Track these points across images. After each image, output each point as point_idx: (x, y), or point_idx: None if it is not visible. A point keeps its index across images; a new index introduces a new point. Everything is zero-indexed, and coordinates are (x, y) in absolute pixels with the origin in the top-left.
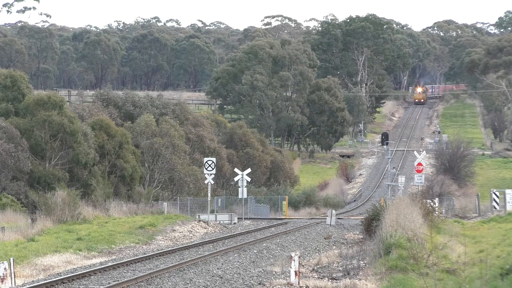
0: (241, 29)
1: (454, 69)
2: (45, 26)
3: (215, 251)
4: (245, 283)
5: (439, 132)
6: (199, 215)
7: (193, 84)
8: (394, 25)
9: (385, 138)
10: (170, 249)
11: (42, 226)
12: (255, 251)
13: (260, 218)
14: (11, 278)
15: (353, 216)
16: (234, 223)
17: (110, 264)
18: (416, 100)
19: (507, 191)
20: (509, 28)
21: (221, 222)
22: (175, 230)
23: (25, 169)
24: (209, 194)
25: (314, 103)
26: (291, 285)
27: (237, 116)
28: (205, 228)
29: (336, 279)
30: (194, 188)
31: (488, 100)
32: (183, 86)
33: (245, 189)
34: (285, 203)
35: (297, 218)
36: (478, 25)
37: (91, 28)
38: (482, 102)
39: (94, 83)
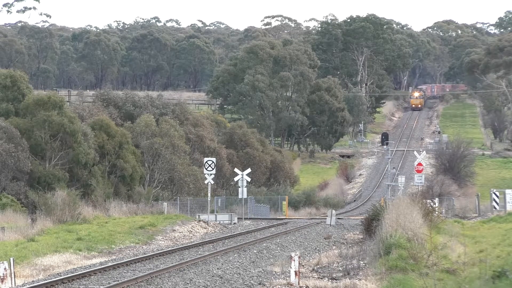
0: (241, 29)
1: (454, 69)
2: (45, 26)
3: (215, 251)
4: (245, 283)
5: (439, 132)
6: (199, 215)
7: (193, 84)
8: (394, 25)
9: (385, 138)
10: (170, 249)
11: (42, 226)
12: (255, 251)
13: (260, 218)
14: (11, 278)
15: (353, 216)
16: (234, 223)
17: (110, 264)
18: (413, 106)
19: (507, 191)
20: (509, 28)
21: (221, 222)
22: (175, 230)
23: (25, 169)
24: (209, 194)
25: (314, 103)
26: (291, 285)
27: (237, 116)
28: (205, 228)
29: (336, 279)
30: (194, 188)
31: (488, 100)
32: (183, 86)
33: (245, 189)
34: (285, 203)
35: (297, 218)
36: (478, 25)
37: (91, 28)
38: (482, 102)
39: (94, 83)
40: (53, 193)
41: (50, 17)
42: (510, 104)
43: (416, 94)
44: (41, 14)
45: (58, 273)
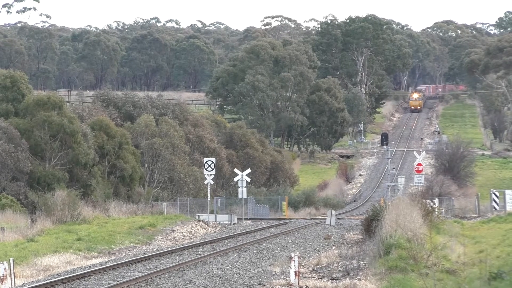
0: (241, 29)
1: (454, 70)
2: (44, 27)
3: (215, 251)
4: (245, 283)
5: (438, 133)
6: (199, 216)
7: (192, 84)
8: (394, 26)
9: (384, 139)
10: (170, 249)
11: (42, 227)
12: (255, 251)
13: (260, 219)
14: (11, 278)
15: (352, 217)
16: (234, 224)
17: (110, 264)
18: (412, 108)
19: (507, 191)
20: (509, 29)
21: (221, 222)
22: (175, 230)
23: (25, 169)
24: (208, 195)
25: (314, 104)
26: (291, 285)
27: (237, 116)
28: (205, 229)
29: (336, 279)
30: (194, 188)
31: (488, 100)
32: (182, 86)
33: (244, 190)
34: (285, 203)
35: (297, 219)
36: (478, 26)
37: (91, 29)
38: (482, 103)
39: (93, 83)
40: (53, 194)
41: (50, 17)
42: (510, 105)
43: (415, 95)
44: (41, 15)
45: (58, 273)
